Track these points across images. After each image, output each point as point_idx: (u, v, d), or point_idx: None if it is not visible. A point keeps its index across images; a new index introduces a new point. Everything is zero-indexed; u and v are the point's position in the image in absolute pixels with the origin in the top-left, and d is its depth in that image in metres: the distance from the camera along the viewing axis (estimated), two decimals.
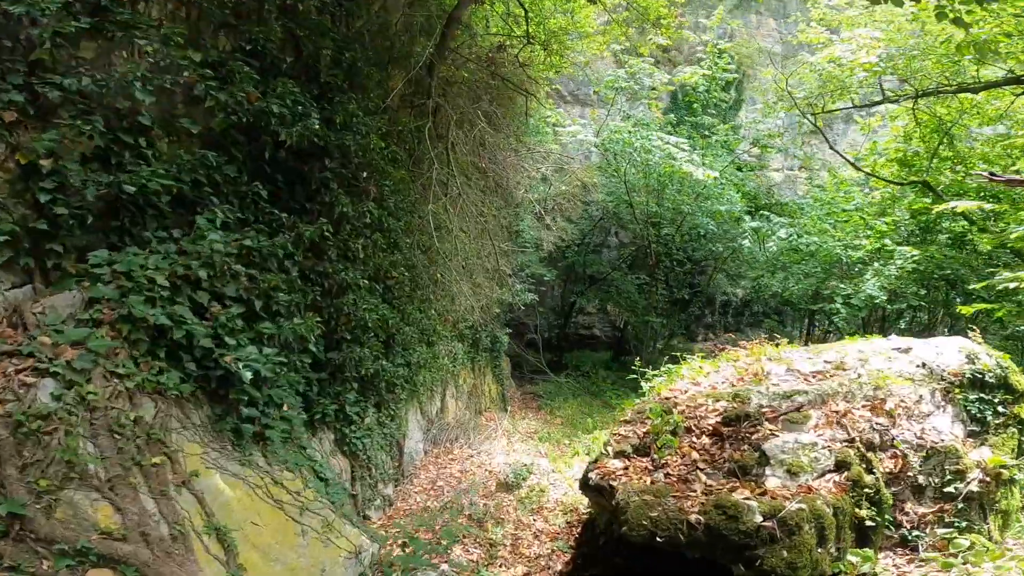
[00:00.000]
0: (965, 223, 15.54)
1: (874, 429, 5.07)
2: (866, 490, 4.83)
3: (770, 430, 5.00)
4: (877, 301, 13.76)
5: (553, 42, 10.70)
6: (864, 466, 4.89)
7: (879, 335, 9.18)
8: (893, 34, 14.43)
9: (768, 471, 4.77)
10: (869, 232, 15.66)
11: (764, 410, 5.16)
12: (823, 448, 4.81)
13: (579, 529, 7.94)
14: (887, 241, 15.20)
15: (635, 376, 18.41)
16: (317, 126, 6.24)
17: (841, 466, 4.83)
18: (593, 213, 19.53)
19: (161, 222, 5.07)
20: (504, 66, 11.53)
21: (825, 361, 5.76)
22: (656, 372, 9.97)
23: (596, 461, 5.69)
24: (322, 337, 6.91)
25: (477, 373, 13.37)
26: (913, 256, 14.20)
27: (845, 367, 5.59)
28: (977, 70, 13.06)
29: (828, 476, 4.81)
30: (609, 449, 5.64)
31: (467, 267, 11.16)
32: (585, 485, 5.72)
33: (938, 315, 16.79)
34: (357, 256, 7.54)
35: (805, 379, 5.50)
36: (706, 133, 16.20)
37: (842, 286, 14.58)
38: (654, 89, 15.81)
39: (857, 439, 4.95)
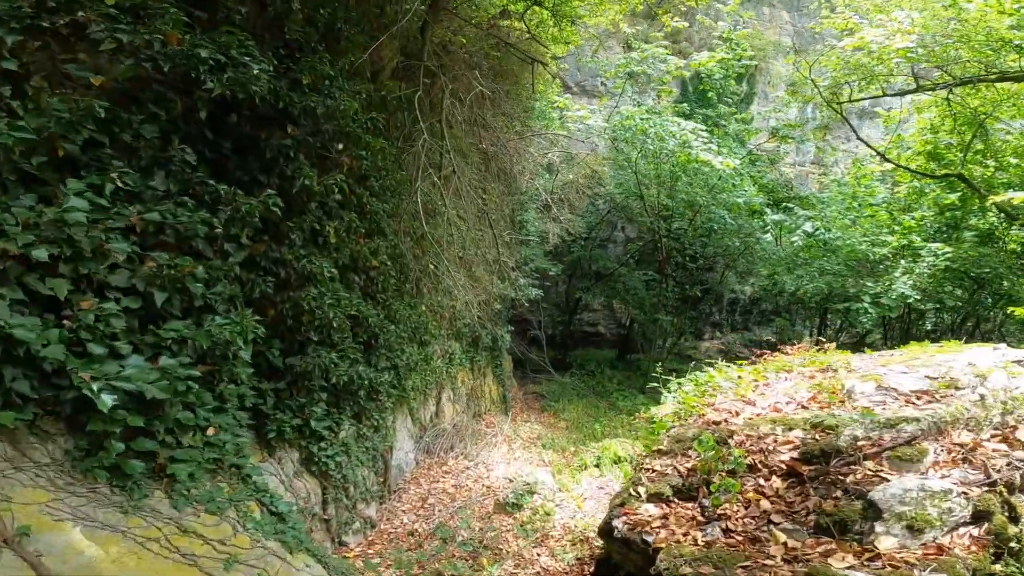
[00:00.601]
0: (994, 220, 13.98)
1: (1014, 466, 3.48)
2: (1010, 544, 3.26)
3: (873, 471, 3.41)
4: (910, 300, 12.14)
5: (563, 6, 9.08)
6: (1008, 514, 3.31)
7: (931, 341, 7.62)
8: (928, 20, 12.87)
9: (879, 527, 3.18)
10: (896, 228, 14.10)
11: (860, 443, 3.56)
12: (958, 495, 3.21)
13: (592, 569, 6.36)
14: (915, 237, 13.67)
15: (643, 376, 16.82)
16: (256, 72, 4.66)
17: (980, 516, 3.25)
18: (600, 206, 17.95)
19: (37, 189, 3.52)
20: (508, 36, 9.95)
21: (928, 377, 4.14)
22: (679, 379, 8.41)
23: (623, 504, 4.09)
24: (278, 339, 5.35)
25: (476, 374, 11.79)
26: (946, 253, 12.61)
27: (958, 385, 3.98)
28: (1018, 58, 11.50)
29: (963, 530, 3.23)
30: (641, 490, 4.04)
31: (464, 258, 9.58)
32: (608, 534, 4.12)
33: (962, 316, 15.18)
34: (328, 241, 5.97)
35: (907, 401, 3.89)
36: (722, 122, 14.57)
37: (869, 284, 12.97)
38: (664, 79, 14.16)
39: (997, 480, 3.36)
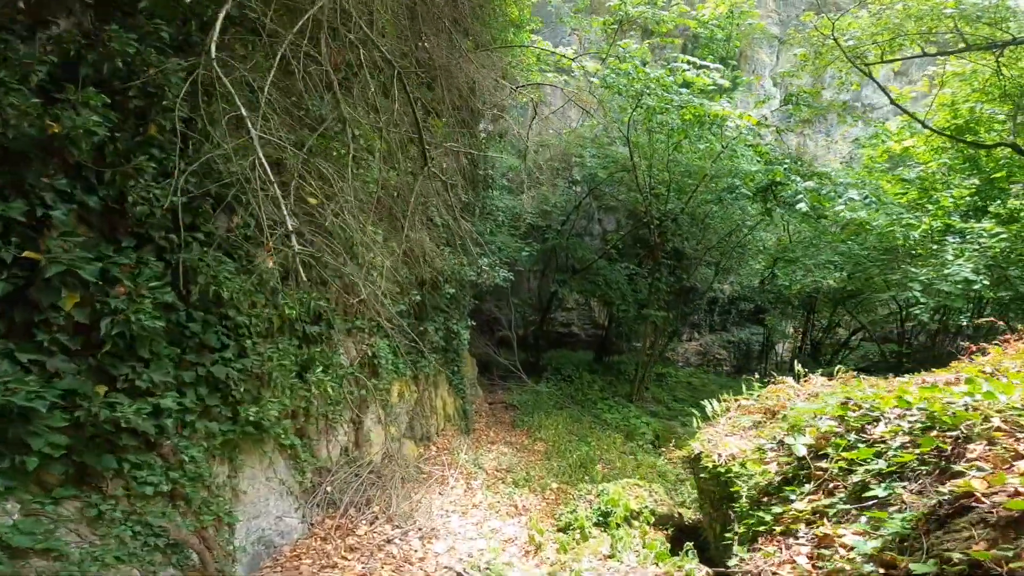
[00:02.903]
0: (1016, 203, 10.53)
1: None
2: None
3: None
4: (976, 287, 8.31)
5: None
6: None
7: None
8: None
9: None
10: (930, 207, 10.44)
11: None
12: None
13: None
14: (955, 218, 10.04)
15: (627, 382, 12.53)
16: None
17: None
18: (577, 191, 13.87)
19: None
20: None
21: None
22: (753, 390, 4.40)
23: None
24: None
25: (423, 383, 7.49)
26: (998, 234, 8.93)
27: None
28: None
29: None
30: None
31: (389, 208, 5.32)
32: None
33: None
34: None
35: None
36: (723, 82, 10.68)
37: (914, 270, 9.13)
38: (663, 28, 10.13)
39: None
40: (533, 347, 14.11)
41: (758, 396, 5.18)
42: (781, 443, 3.48)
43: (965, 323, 10.74)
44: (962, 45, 9.71)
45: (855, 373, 4.92)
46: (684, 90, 9.04)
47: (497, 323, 14.12)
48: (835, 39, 10.28)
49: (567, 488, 7.00)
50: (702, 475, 4.24)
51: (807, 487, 2.70)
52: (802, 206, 8.31)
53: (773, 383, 4.92)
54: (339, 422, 5.30)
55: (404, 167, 4.89)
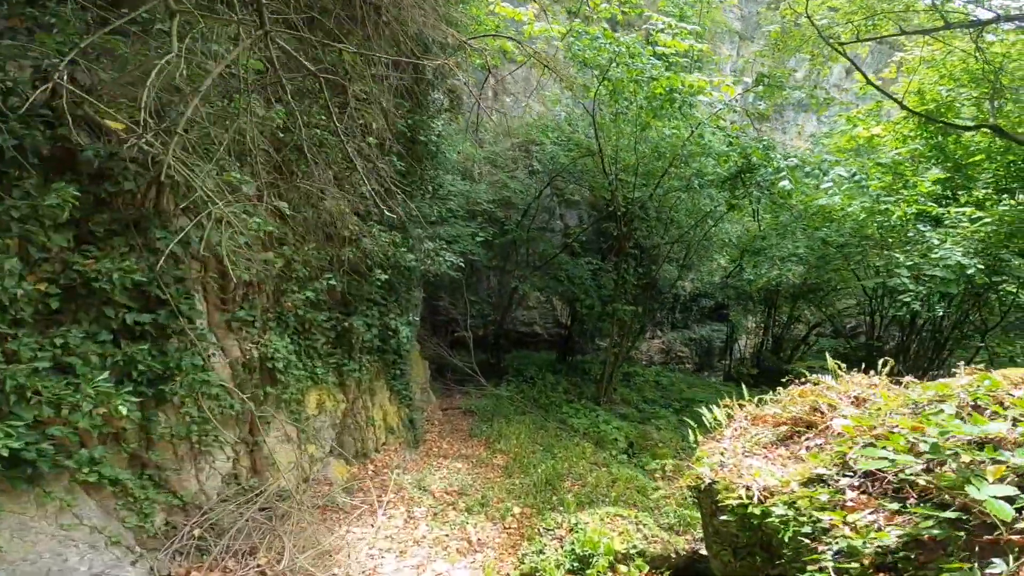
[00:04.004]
0: (981, 194, 9.76)
1: None
2: None
3: None
4: (970, 272, 7.31)
5: None
6: None
7: None
8: None
9: None
10: (904, 193, 9.48)
11: None
12: None
13: None
14: (932, 204, 9.13)
15: (592, 383, 10.93)
16: None
17: None
18: (536, 181, 12.47)
19: None
20: None
21: None
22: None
23: None
24: None
25: (353, 391, 5.84)
26: (981, 219, 8.02)
27: None
28: None
29: None
30: None
31: (278, 159, 3.73)
32: None
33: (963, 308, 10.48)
34: None
35: None
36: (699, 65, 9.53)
37: (898, 256, 8.12)
38: None
39: None
40: (493, 348, 12.57)
41: (769, 400, 3.84)
42: (873, 476, 2.08)
43: (941, 314, 9.85)
44: (940, 23, 8.84)
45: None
46: (656, 60, 7.81)
47: (455, 323, 12.55)
48: (808, 17, 9.29)
49: (531, 514, 5.50)
50: (721, 516, 2.84)
51: (999, 565, 1.29)
52: (785, 184, 7.13)
53: (800, 383, 3.59)
54: (214, 445, 3.64)
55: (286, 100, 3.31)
